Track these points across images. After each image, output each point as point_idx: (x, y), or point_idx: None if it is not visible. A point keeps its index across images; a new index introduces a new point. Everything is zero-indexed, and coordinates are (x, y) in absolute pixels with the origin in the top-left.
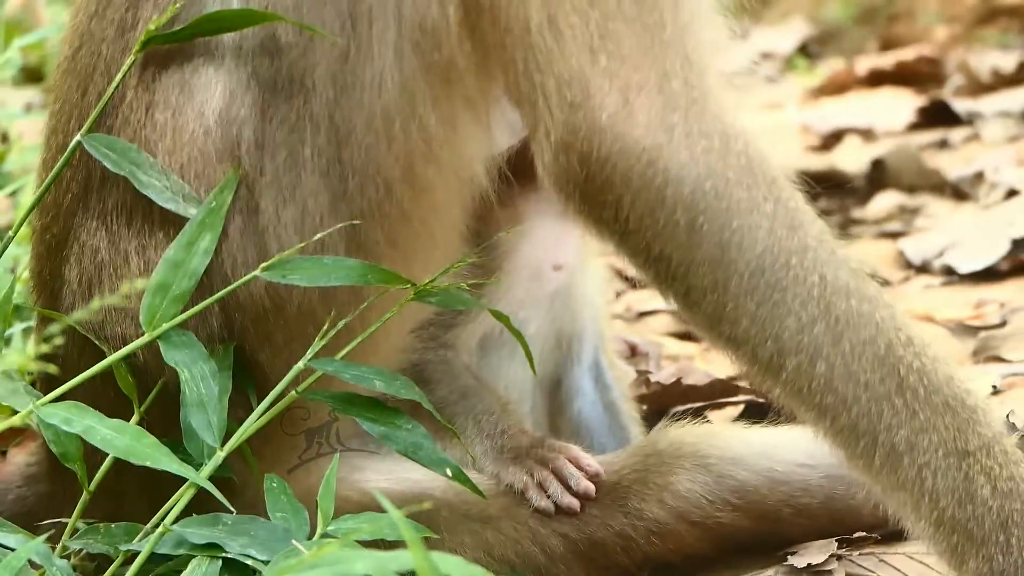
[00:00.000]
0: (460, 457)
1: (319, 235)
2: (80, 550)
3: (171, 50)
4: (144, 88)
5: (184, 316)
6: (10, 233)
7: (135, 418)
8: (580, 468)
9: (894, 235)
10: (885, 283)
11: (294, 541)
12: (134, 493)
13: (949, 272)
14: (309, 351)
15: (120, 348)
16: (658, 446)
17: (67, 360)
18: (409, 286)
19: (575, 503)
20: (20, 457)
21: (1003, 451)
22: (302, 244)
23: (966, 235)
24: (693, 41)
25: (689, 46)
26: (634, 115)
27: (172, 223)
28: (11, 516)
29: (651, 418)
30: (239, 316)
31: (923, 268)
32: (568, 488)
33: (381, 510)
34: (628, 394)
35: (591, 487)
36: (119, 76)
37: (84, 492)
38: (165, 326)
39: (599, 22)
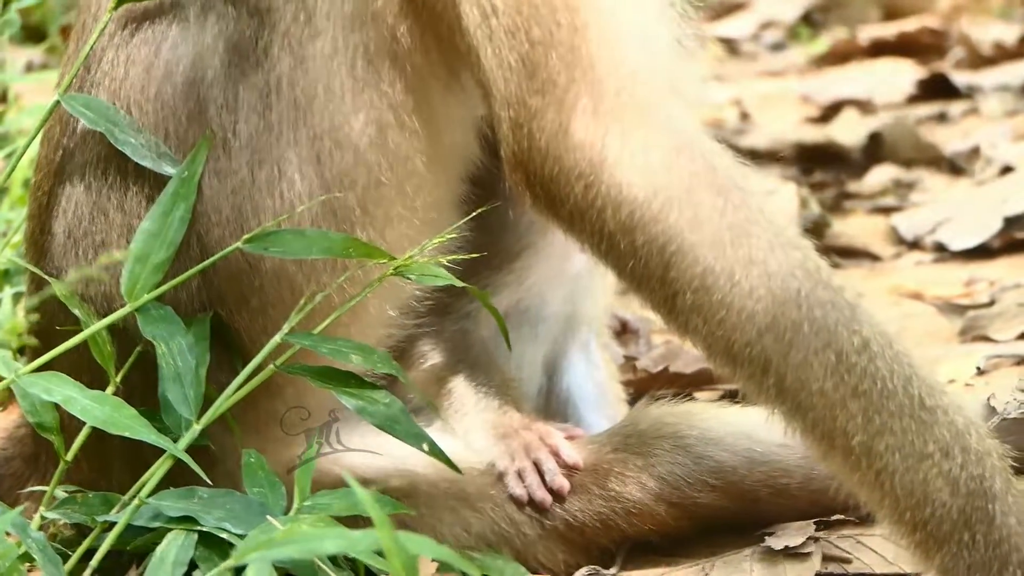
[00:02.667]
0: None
1: (300, 208)
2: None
3: (147, 8)
4: (123, 45)
5: (163, 289)
6: None
7: (111, 388)
8: (560, 459)
9: (888, 210)
10: (876, 259)
11: (269, 517)
12: (119, 461)
13: (941, 249)
14: (286, 325)
15: (103, 308)
16: (639, 426)
17: (55, 321)
18: (387, 261)
19: (547, 499)
20: (8, 420)
21: (964, 450)
22: (279, 219)
23: (959, 212)
24: (630, 54)
25: (626, 59)
26: (571, 137)
27: (147, 177)
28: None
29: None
30: (216, 279)
31: (915, 244)
32: (544, 481)
33: (362, 484)
34: (616, 375)
35: (565, 485)
36: (95, 35)
37: (61, 462)
38: (146, 297)
39: (530, 43)
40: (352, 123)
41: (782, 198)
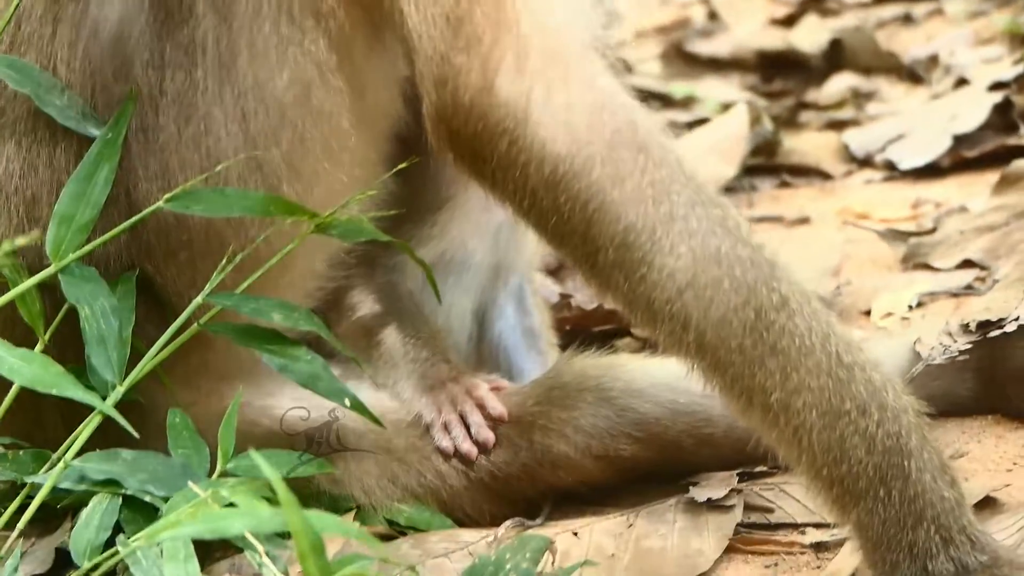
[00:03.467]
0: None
1: (220, 167)
2: None
3: None
4: (52, 2)
5: (87, 249)
6: None
7: (39, 346)
8: (485, 411)
9: (842, 124)
10: (827, 177)
11: (190, 482)
12: (52, 414)
13: (891, 167)
14: (208, 286)
15: (35, 264)
16: (562, 379)
17: None
18: (309, 218)
19: (473, 451)
20: None
21: (880, 407)
22: (204, 176)
23: (911, 128)
24: (554, 11)
25: (550, 17)
26: (495, 94)
27: (75, 134)
28: None
29: (572, 342)
30: (144, 233)
31: (866, 162)
32: (470, 434)
33: (292, 441)
34: (548, 322)
35: (491, 437)
36: None
37: None
38: (70, 258)
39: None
40: (276, 81)
41: (733, 117)
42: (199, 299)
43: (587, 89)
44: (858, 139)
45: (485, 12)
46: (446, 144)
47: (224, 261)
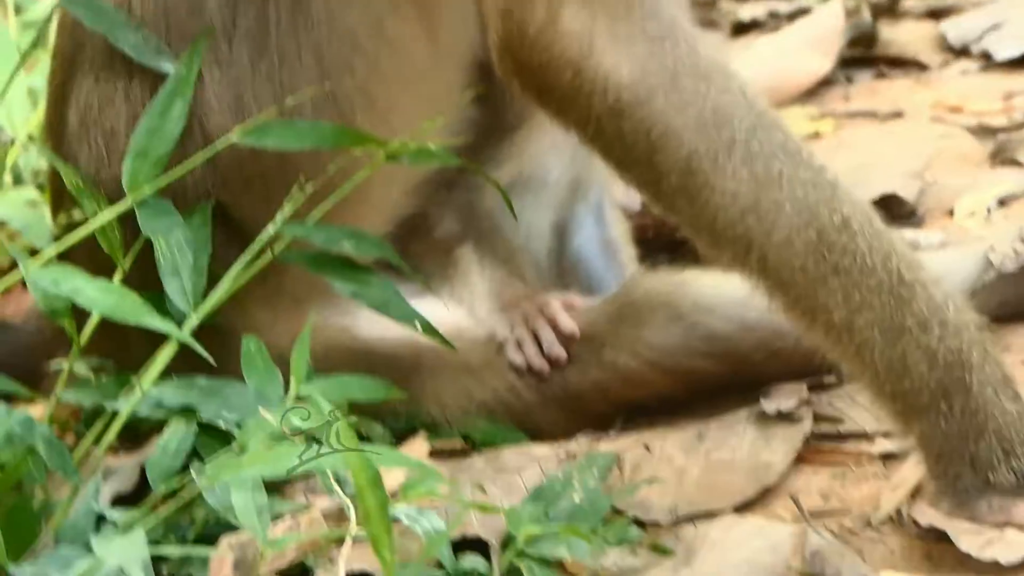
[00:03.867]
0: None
1: (291, 99)
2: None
3: None
4: None
5: (161, 182)
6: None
7: (118, 275)
8: (558, 329)
9: (941, 13)
10: (924, 68)
11: (261, 408)
12: (134, 335)
13: (987, 57)
14: (279, 215)
15: (115, 192)
16: (632, 296)
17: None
18: (379, 146)
19: (545, 367)
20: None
21: (942, 324)
22: (277, 107)
23: (1008, 17)
24: None
25: None
26: (559, 26)
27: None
28: (32, 345)
29: (653, 250)
30: (219, 165)
31: (963, 52)
32: (542, 350)
33: (370, 358)
34: (627, 234)
35: (562, 354)
36: None
37: (74, 345)
38: (146, 190)
39: None
40: (348, 12)
41: (831, 8)
42: (271, 230)
43: (649, 19)
44: (955, 28)
45: None
46: (512, 74)
47: (292, 191)
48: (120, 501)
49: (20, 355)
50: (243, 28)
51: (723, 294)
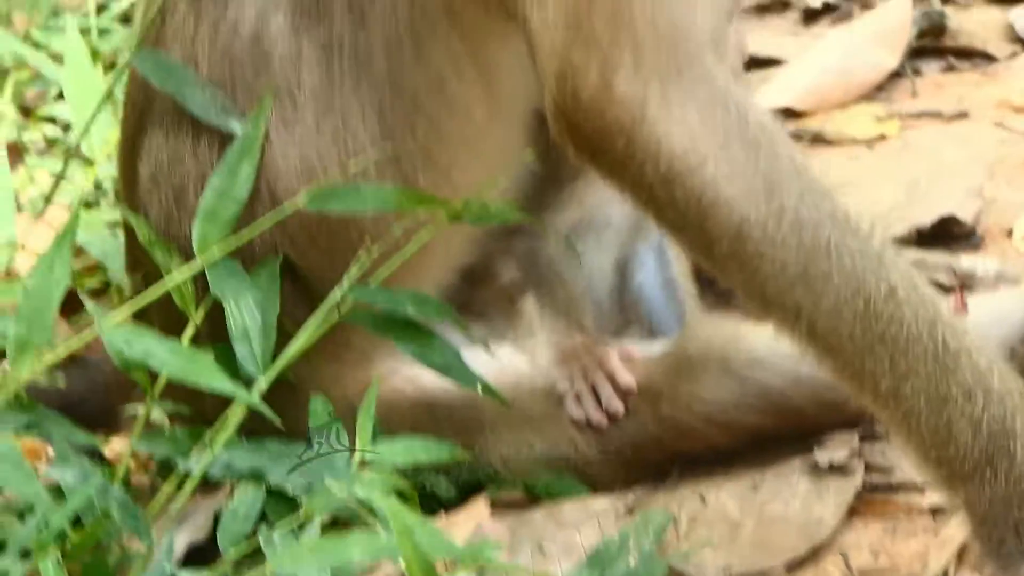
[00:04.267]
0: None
1: (355, 163)
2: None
3: None
4: (193, 1)
5: (231, 246)
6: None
7: (189, 329)
8: (615, 383)
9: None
10: (991, 59)
11: (327, 478)
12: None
13: None
14: (345, 279)
15: (187, 246)
16: (688, 349)
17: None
18: (441, 207)
19: (603, 421)
20: None
21: (986, 392)
22: (347, 164)
23: None
24: (670, 7)
25: (666, 14)
26: (613, 93)
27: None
28: (109, 383)
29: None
30: (287, 223)
31: None
32: (600, 404)
33: (433, 409)
34: (687, 271)
35: (620, 408)
36: None
37: (148, 398)
38: (216, 251)
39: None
40: (410, 73)
41: (897, 2)
42: (337, 294)
43: (701, 86)
44: (1022, 19)
45: (604, 9)
46: (566, 136)
47: (360, 255)
48: (194, 550)
49: (97, 391)
50: (308, 87)
51: (776, 349)
